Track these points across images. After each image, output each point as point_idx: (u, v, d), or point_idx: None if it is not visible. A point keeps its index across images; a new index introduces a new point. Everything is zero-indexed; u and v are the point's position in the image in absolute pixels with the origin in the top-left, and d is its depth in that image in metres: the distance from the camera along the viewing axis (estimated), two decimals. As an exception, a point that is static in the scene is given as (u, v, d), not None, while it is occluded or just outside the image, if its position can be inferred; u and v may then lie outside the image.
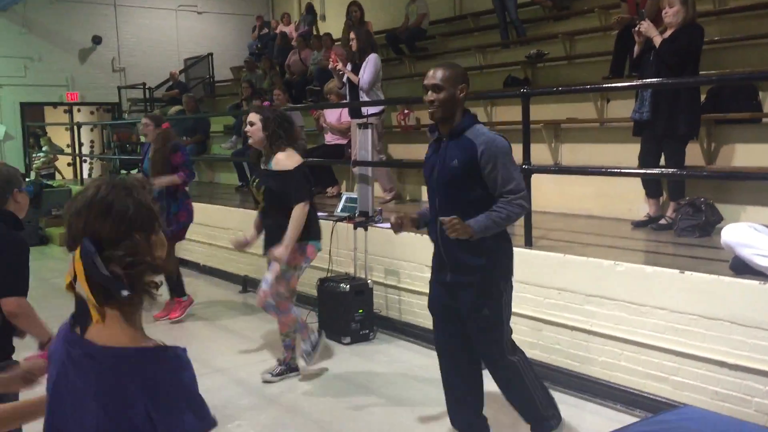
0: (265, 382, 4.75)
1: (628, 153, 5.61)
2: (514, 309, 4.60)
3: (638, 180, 5.58)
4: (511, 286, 3.46)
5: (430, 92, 3.26)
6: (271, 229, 4.60)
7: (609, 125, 6.77)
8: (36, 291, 8.41)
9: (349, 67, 7.39)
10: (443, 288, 3.42)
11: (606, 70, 7.16)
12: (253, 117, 4.56)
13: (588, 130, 7.05)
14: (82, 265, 1.36)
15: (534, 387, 3.48)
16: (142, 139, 6.51)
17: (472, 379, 3.53)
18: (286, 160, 4.49)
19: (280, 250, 4.37)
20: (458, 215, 3.14)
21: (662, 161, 5.25)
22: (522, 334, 4.69)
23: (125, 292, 1.37)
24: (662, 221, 5.26)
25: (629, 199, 5.92)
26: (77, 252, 1.38)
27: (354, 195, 6.48)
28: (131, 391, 1.36)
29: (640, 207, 5.72)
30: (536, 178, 6.16)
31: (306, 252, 4.60)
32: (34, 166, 13.70)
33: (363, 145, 6.21)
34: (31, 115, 15.60)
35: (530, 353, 4.61)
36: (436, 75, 3.25)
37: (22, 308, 2.83)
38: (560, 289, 4.47)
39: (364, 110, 7.22)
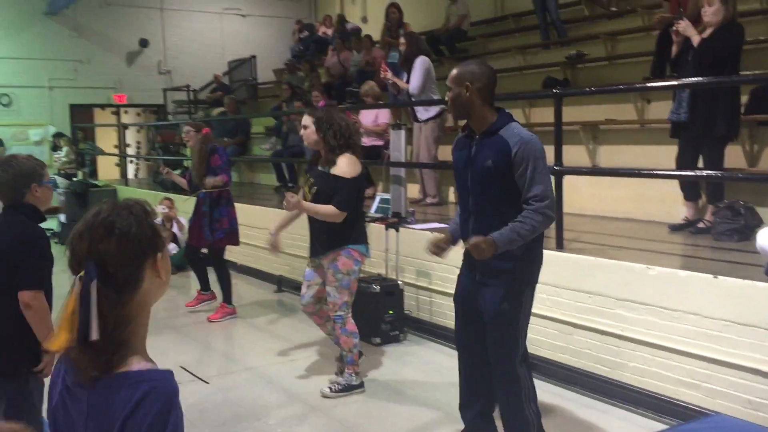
0: (325, 396, 4.55)
1: (668, 155, 5.48)
2: (545, 312, 4.63)
3: (677, 182, 5.46)
4: (533, 295, 3.45)
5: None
6: (317, 232, 4.52)
7: (649, 127, 6.64)
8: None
9: (404, 77, 7.40)
10: (470, 283, 3.45)
11: (648, 71, 7.02)
12: (307, 120, 4.49)
13: (628, 132, 6.93)
14: (79, 290, 1.36)
15: (529, 406, 3.43)
16: (188, 144, 6.63)
17: (487, 375, 3.52)
18: (346, 166, 4.38)
19: (295, 199, 4.30)
20: (493, 214, 3.19)
21: (701, 163, 5.13)
22: (552, 337, 4.65)
23: (94, 336, 1.35)
24: (700, 225, 5.13)
25: (667, 201, 5.79)
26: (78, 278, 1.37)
27: (388, 196, 6.47)
28: (112, 420, 1.35)
29: (679, 210, 5.60)
30: (571, 181, 6.09)
31: (353, 255, 4.49)
32: (56, 165, 13.96)
33: (396, 146, 6.20)
34: (80, 116, 16.00)
35: (560, 357, 4.60)
36: (450, 74, 3.33)
37: (36, 302, 2.83)
38: (591, 292, 4.39)
39: (420, 114, 7.27)
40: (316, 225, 4.53)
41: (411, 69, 7.33)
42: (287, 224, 4.97)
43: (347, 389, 4.57)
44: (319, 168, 4.50)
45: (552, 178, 3.64)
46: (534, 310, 4.58)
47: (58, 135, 14.45)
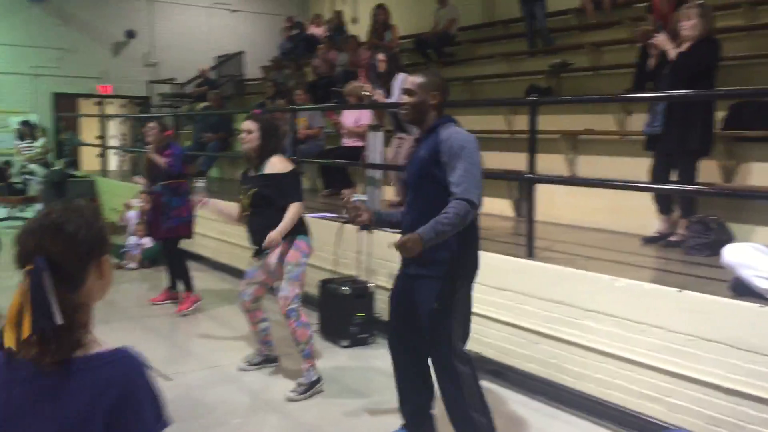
0: (291, 401, 4.50)
1: (647, 167, 5.46)
2: (512, 320, 4.61)
3: (652, 195, 5.45)
4: (469, 291, 3.44)
5: (405, 95, 3.47)
6: (259, 230, 4.59)
7: (629, 138, 6.64)
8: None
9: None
10: (405, 280, 3.52)
11: (631, 83, 7.02)
12: (251, 125, 4.61)
13: (607, 143, 6.92)
14: (28, 284, 1.41)
15: (475, 408, 3.39)
16: (149, 138, 6.69)
17: (420, 370, 3.57)
18: (280, 164, 4.60)
19: (274, 234, 4.46)
20: (427, 207, 3.25)
21: (675, 177, 5.12)
22: (519, 346, 4.63)
23: (59, 321, 1.41)
24: (672, 238, 5.13)
25: (642, 214, 5.78)
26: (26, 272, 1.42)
27: (364, 197, 6.43)
28: (90, 401, 1.39)
29: (653, 223, 5.59)
30: (547, 189, 6.08)
31: (300, 247, 4.63)
32: (26, 156, 13.72)
33: (373, 147, 6.16)
34: (64, 105, 15.84)
35: (526, 366, 4.57)
36: (413, 80, 3.45)
37: None
38: (559, 302, 4.36)
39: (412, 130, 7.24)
40: (257, 222, 4.60)
41: (390, 86, 7.30)
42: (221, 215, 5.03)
43: (310, 387, 4.56)
44: (251, 174, 4.66)
45: (523, 186, 3.64)
46: (502, 317, 4.64)
47: (25, 123, 14.19)
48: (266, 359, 5.03)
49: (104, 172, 13.07)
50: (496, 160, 7.52)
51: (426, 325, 3.37)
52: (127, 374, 1.44)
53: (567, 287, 4.32)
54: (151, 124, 6.67)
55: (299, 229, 4.65)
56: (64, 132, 15.20)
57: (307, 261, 4.70)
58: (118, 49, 16.09)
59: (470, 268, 3.44)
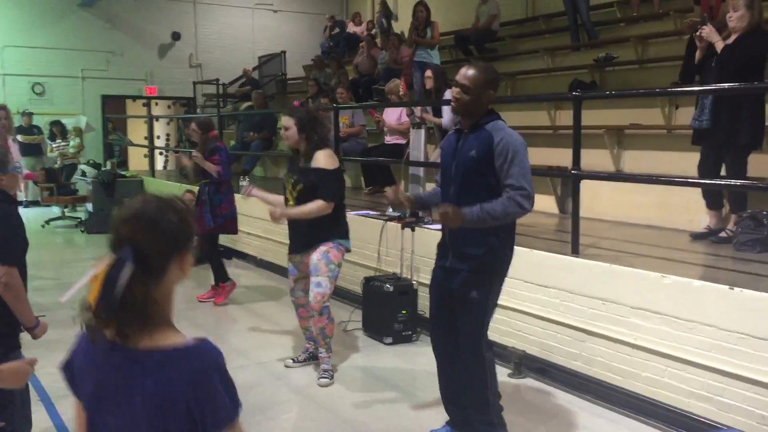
0: (323, 386, 4.71)
1: (695, 162, 5.34)
2: (558, 318, 4.57)
3: (701, 190, 5.34)
4: (501, 287, 3.57)
5: (457, 89, 3.43)
6: (301, 228, 4.63)
7: (676, 132, 6.51)
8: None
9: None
10: (442, 272, 3.61)
11: (678, 76, 6.88)
12: (287, 121, 4.61)
13: (654, 137, 6.81)
14: (108, 267, 1.46)
15: (492, 392, 3.58)
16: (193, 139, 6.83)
17: (455, 352, 3.66)
18: (325, 159, 4.57)
19: (285, 210, 4.55)
20: (472, 204, 3.30)
21: (724, 171, 5.01)
22: (565, 344, 4.58)
23: (114, 306, 1.46)
24: (722, 234, 5.01)
25: (691, 209, 5.67)
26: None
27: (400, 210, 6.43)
28: (175, 389, 1.47)
29: (702, 218, 5.48)
30: (593, 186, 6.02)
31: (340, 249, 4.68)
32: (59, 153, 14.07)
33: (416, 144, 6.16)
34: (112, 107, 16.21)
35: (572, 364, 4.53)
36: (466, 74, 3.43)
37: (9, 277, 2.87)
38: (605, 299, 4.31)
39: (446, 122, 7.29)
40: (298, 221, 4.62)
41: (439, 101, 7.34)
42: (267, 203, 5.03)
43: (333, 371, 4.84)
44: (301, 165, 4.66)
45: (567, 182, 3.67)
46: (547, 315, 4.61)
47: (56, 123, 14.54)
48: (311, 356, 5.08)
49: (152, 171, 13.32)
50: (539, 156, 7.45)
51: (461, 312, 3.50)
52: (207, 365, 1.51)
53: (613, 284, 4.26)
54: (193, 126, 6.77)
55: (340, 231, 4.67)
56: (112, 133, 15.54)
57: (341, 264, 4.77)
58: (163, 51, 16.40)
59: (505, 265, 3.55)
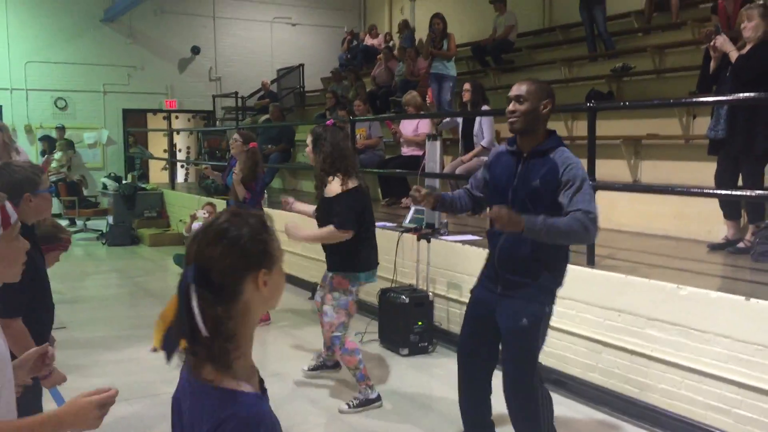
0: (342, 412, 4.50)
1: (713, 172, 5.32)
2: (574, 329, 4.55)
3: (718, 200, 5.31)
4: (551, 311, 3.36)
5: (513, 103, 3.23)
6: (326, 248, 4.51)
7: (694, 142, 6.48)
8: (123, 289, 8.80)
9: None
10: (489, 294, 3.38)
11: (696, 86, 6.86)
12: (308, 137, 4.54)
13: (672, 147, 6.78)
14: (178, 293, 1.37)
15: (548, 429, 3.35)
16: (232, 151, 6.79)
17: (485, 385, 3.52)
18: (333, 186, 4.35)
19: (298, 231, 4.35)
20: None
21: (741, 181, 4.98)
22: (580, 355, 4.57)
23: (204, 333, 1.35)
24: (740, 245, 4.98)
25: (709, 220, 5.64)
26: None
27: (422, 207, 6.44)
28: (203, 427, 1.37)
29: (720, 229, 5.44)
30: (610, 196, 6.01)
31: (348, 279, 4.45)
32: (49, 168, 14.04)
33: (431, 156, 6.18)
34: (133, 120, 16.42)
35: (588, 376, 4.50)
36: (521, 87, 3.24)
37: (10, 330, 2.52)
38: (621, 311, 4.29)
39: (480, 140, 7.34)
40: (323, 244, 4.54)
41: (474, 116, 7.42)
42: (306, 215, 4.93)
43: (364, 404, 4.52)
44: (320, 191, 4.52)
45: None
46: (562, 326, 4.58)
47: (44, 138, 14.63)
48: (323, 364, 5.08)
49: (172, 184, 13.45)
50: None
51: (511, 343, 3.30)
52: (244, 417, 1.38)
53: (629, 296, 4.24)
54: (236, 136, 6.63)
55: (359, 264, 4.42)
56: (134, 146, 15.73)
57: (357, 292, 4.52)
58: (183, 65, 16.59)
59: (558, 285, 3.36)
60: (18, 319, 2.64)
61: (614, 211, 6.28)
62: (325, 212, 4.37)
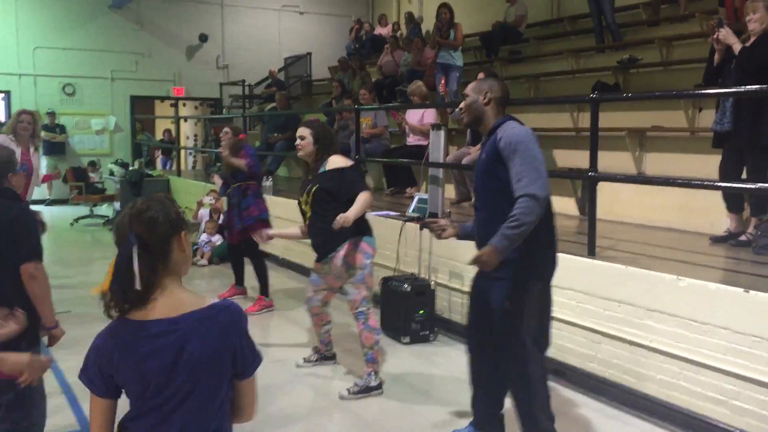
0: (342, 398, 4.53)
1: (718, 164, 5.31)
2: (573, 320, 4.57)
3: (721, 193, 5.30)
4: (545, 291, 3.38)
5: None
6: (321, 232, 4.53)
7: (699, 135, 6.47)
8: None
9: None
10: (481, 281, 3.49)
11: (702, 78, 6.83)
12: (304, 131, 4.64)
13: (677, 140, 6.76)
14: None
15: (542, 410, 3.37)
16: (222, 143, 6.86)
17: (495, 372, 3.54)
18: (340, 160, 4.57)
19: (346, 215, 4.30)
20: (492, 208, 3.29)
21: (746, 174, 4.97)
22: (580, 345, 4.59)
23: (137, 286, 1.75)
24: (742, 237, 4.98)
25: (712, 212, 5.63)
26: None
27: (426, 196, 6.46)
28: (224, 341, 1.81)
29: (723, 222, 5.44)
30: (614, 188, 6.01)
31: (363, 249, 4.54)
32: None
33: (435, 146, 6.19)
34: (140, 107, 16.46)
35: (588, 366, 4.53)
36: (469, 85, 3.56)
37: (39, 272, 2.95)
38: (620, 301, 4.30)
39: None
40: (318, 225, 4.54)
41: None
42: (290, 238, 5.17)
43: (365, 390, 4.55)
44: (312, 176, 4.64)
45: (584, 184, 3.59)
46: (562, 316, 4.60)
47: None
48: (323, 357, 5.12)
49: (178, 171, 13.50)
50: (563, 158, 7.45)
51: (497, 325, 3.36)
52: (238, 317, 1.85)
53: (629, 286, 4.26)
54: (225, 129, 6.77)
55: (362, 229, 4.56)
56: (141, 133, 15.77)
57: (371, 262, 4.61)
58: (191, 53, 16.61)
59: (544, 266, 3.36)
60: (42, 263, 2.98)
61: (617, 202, 6.28)
62: (336, 180, 4.49)
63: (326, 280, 4.76)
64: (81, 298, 6.89)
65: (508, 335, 3.34)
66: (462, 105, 3.53)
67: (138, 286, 1.74)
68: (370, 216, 6.58)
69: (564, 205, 7.01)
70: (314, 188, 4.55)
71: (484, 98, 3.45)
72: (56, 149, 14.70)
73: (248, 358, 1.86)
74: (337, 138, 4.80)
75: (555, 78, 9.76)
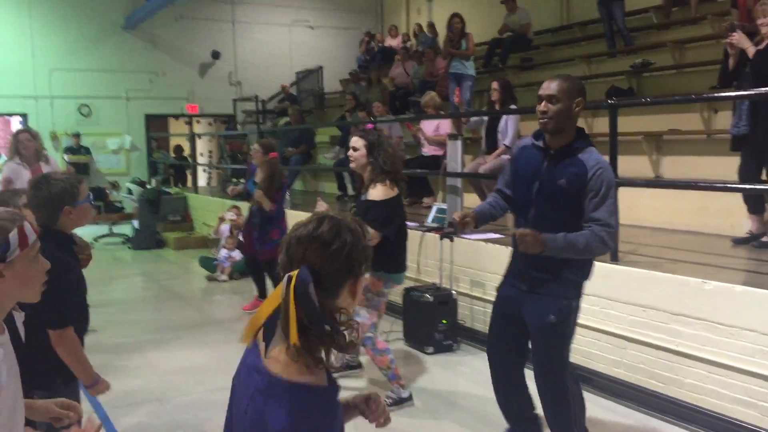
0: None
1: (735, 166, 5.32)
2: (598, 325, 4.58)
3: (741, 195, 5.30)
4: (579, 306, 3.38)
5: (545, 102, 3.15)
6: None
7: (716, 137, 6.48)
8: (149, 292, 8.88)
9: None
10: (516, 292, 3.41)
11: (717, 80, 6.84)
12: (357, 142, 4.44)
13: (693, 143, 6.77)
14: (293, 292, 1.44)
15: (578, 426, 3.39)
16: (254, 161, 6.93)
17: (519, 379, 3.53)
18: (378, 191, 4.35)
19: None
20: (552, 230, 3.12)
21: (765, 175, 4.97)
22: (606, 351, 4.59)
23: (327, 327, 1.45)
24: (764, 239, 4.98)
25: (733, 214, 5.63)
26: (293, 277, 1.45)
27: (445, 206, 6.50)
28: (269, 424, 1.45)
29: (744, 223, 5.43)
30: (632, 192, 6.00)
31: (384, 278, 4.49)
32: None
33: (453, 156, 6.23)
34: (155, 125, 16.62)
35: (613, 371, 4.53)
36: (551, 85, 3.16)
37: (63, 339, 2.65)
38: (645, 306, 4.31)
39: (503, 138, 7.27)
40: None
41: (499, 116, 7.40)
42: None
43: (398, 402, 4.56)
44: (361, 197, 4.51)
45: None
46: (587, 322, 4.61)
47: None
48: (348, 365, 5.15)
49: (195, 188, 13.60)
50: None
51: (539, 340, 3.32)
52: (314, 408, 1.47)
53: (653, 291, 4.27)
54: (256, 147, 6.77)
55: (392, 266, 4.46)
56: (157, 151, 15.91)
57: (388, 293, 4.58)
58: (204, 70, 16.76)
59: (585, 281, 3.37)
60: (70, 328, 2.67)
61: (636, 206, 6.28)
62: (361, 214, 4.30)
63: None
64: (103, 316, 6.98)
65: (550, 349, 3.33)
66: (543, 107, 3.13)
67: (326, 327, 1.45)
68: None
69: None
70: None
71: (577, 107, 3.14)
72: (80, 170, 14.84)
73: None
74: (399, 158, 4.52)
75: (567, 84, 9.76)
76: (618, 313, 4.49)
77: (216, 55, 16.66)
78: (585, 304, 4.62)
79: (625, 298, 4.44)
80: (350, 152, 4.50)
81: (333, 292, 1.51)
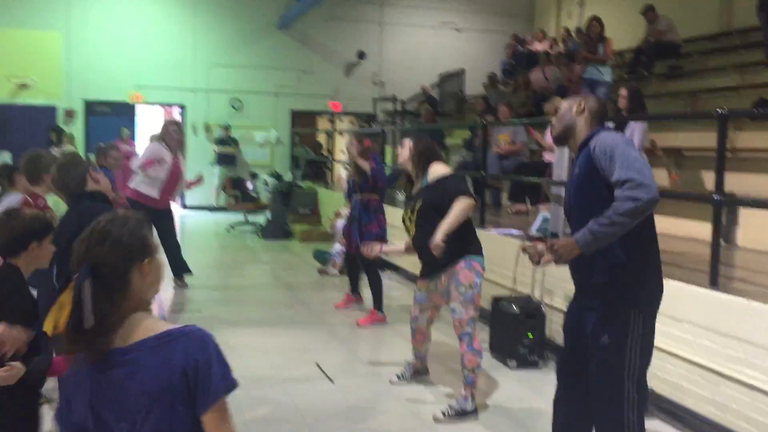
0: (437, 421, 4.33)
1: None
2: (689, 356, 4.13)
3: None
4: (651, 323, 3.02)
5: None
6: (426, 244, 4.27)
7: None
8: (260, 280, 9.20)
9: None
10: (576, 307, 3.19)
11: None
12: (407, 142, 4.77)
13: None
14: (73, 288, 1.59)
15: None
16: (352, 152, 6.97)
17: (583, 409, 3.16)
18: (441, 169, 4.54)
19: (437, 238, 4.15)
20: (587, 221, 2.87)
21: None
22: (697, 385, 4.15)
23: (87, 325, 1.57)
24: None
25: None
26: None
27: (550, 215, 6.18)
28: (174, 367, 1.59)
29: None
30: (748, 213, 5.42)
31: (473, 267, 4.38)
32: None
33: (560, 163, 5.90)
34: (300, 121, 17.22)
35: (704, 409, 4.09)
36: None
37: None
38: (741, 339, 3.83)
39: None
40: (423, 237, 4.35)
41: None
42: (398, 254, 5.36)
43: (460, 414, 4.36)
44: (415, 192, 4.62)
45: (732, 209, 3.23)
46: (678, 351, 4.19)
47: (54, 129, 14.11)
48: (416, 372, 5.01)
49: (326, 183, 13.92)
50: (709, 179, 6.82)
51: (593, 362, 3.04)
52: (200, 341, 1.63)
53: (751, 323, 3.78)
54: (352, 141, 6.89)
55: (472, 248, 4.43)
56: (299, 146, 16.46)
57: (481, 282, 4.43)
58: (349, 69, 17.16)
59: (645, 295, 3.00)
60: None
61: (753, 228, 5.64)
62: (439, 190, 4.39)
63: (433, 298, 4.66)
64: (212, 298, 7.28)
65: (606, 375, 3.00)
66: (551, 119, 3.32)
67: (88, 324, 1.56)
68: (492, 234, 6.41)
69: (700, 231, 6.38)
70: (418, 205, 4.47)
71: (578, 107, 3.15)
72: (228, 160, 15.68)
73: (208, 385, 1.59)
74: (438, 151, 4.79)
75: (715, 95, 8.99)
76: (712, 345, 4.02)
77: (362, 55, 16.99)
78: (678, 331, 4.24)
79: (719, 328, 3.97)
80: (398, 149, 4.79)
81: (121, 281, 1.63)
